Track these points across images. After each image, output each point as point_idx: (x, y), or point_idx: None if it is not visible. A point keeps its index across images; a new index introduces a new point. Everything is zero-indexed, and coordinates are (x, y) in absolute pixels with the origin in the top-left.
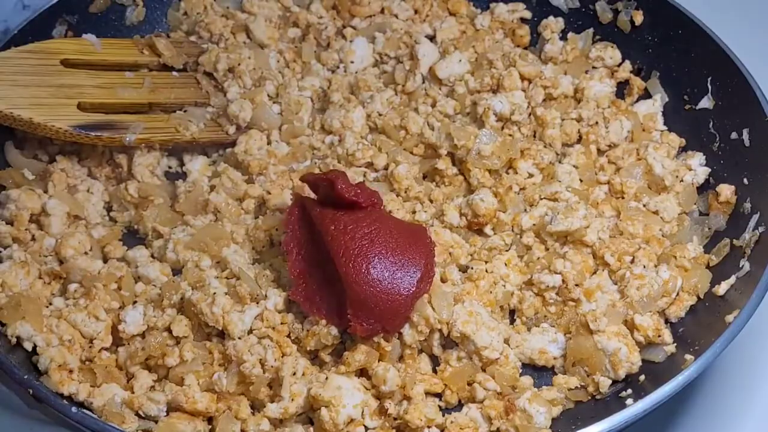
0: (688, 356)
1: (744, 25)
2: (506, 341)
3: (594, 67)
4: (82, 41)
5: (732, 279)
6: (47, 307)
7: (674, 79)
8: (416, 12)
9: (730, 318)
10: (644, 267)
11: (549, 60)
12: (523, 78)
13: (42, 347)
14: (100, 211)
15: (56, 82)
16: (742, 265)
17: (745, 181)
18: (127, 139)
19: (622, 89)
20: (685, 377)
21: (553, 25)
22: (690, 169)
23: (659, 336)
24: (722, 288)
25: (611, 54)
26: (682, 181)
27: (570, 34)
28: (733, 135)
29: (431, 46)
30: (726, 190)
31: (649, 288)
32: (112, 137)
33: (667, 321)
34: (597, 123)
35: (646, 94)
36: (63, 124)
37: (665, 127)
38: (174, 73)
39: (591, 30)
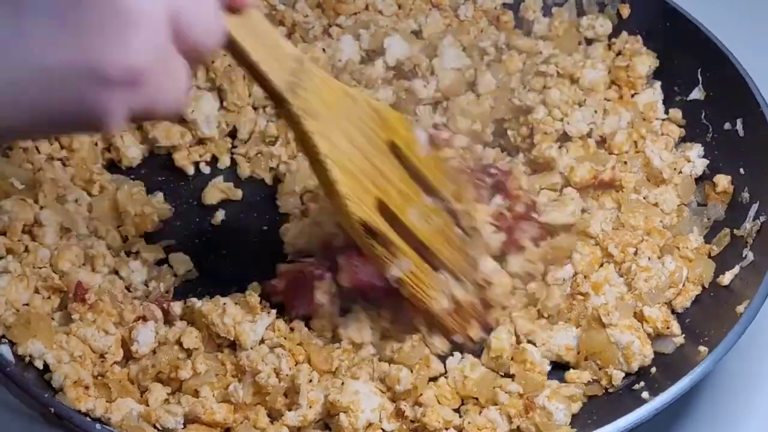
0: (702, 348)
1: (732, 14)
2: (532, 342)
3: (587, 39)
4: (410, 128)
5: (736, 269)
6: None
7: (664, 70)
8: (400, 7)
9: (740, 308)
10: (648, 259)
11: (540, 39)
12: (520, 51)
13: (54, 364)
14: (87, 222)
15: (370, 158)
16: (746, 255)
17: (741, 171)
18: (391, 272)
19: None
20: (703, 369)
21: (532, 4)
22: (689, 161)
23: (668, 327)
24: (726, 278)
25: (602, 22)
26: (680, 172)
27: (555, 9)
28: (727, 125)
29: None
30: (723, 180)
31: (657, 279)
32: (382, 256)
33: (673, 312)
34: (596, 112)
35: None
36: (354, 210)
37: (666, 116)
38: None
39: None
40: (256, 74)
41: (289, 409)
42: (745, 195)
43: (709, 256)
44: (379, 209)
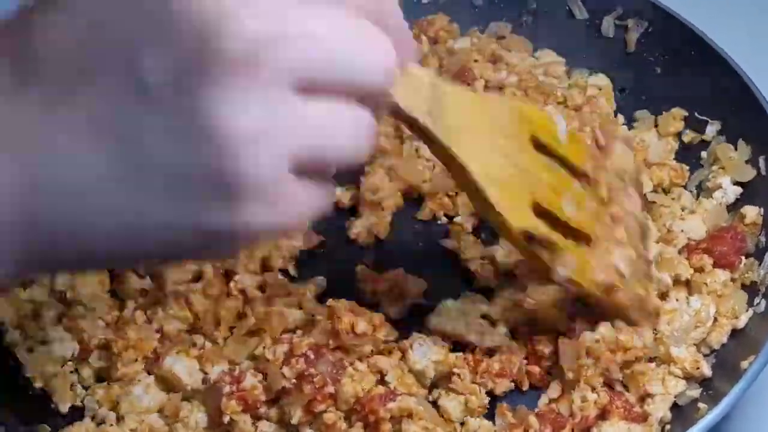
0: (702, 405)
1: (760, 52)
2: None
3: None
4: (550, 119)
5: (750, 312)
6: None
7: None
8: None
9: (745, 364)
10: (676, 300)
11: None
12: None
13: None
14: None
15: (518, 161)
16: (758, 303)
17: (761, 212)
18: (559, 275)
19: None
20: (699, 429)
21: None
22: (720, 187)
23: (697, 368)
24: (741, 321)
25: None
26: (711, 198)
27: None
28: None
29: None
30: (751, 212)
31: (679, 320)
32: (548, 261)
33: (711, 351)
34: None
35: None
36: (516, 223)
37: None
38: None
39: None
40: (395, 114)
41: None
42: (762, 239)
43: (743, 285)
44: (535, 211)
